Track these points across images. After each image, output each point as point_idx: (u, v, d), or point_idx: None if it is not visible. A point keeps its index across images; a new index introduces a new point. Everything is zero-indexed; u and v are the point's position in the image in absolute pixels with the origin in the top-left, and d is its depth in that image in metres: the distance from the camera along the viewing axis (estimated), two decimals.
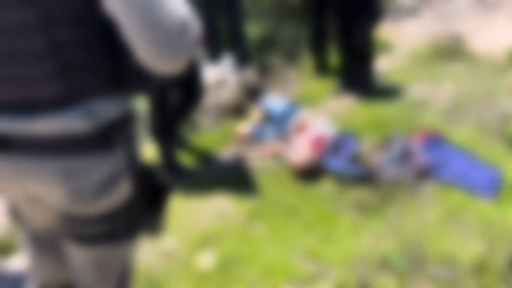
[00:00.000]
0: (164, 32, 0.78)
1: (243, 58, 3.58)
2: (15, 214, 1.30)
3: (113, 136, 0.92)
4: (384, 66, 4.00)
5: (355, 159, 2.73)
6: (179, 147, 2.98)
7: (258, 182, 2.65)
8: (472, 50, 4.23)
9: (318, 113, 3.27)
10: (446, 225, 2.21)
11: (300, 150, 2.78)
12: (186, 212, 2.41)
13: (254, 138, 3.11)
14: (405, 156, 2.59)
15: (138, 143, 1.04)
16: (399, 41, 4.65)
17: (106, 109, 0.90)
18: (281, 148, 2.96)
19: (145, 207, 1.09)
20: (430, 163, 2.56)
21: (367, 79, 3.67)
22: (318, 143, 2.79)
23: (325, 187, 2.56)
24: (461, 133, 2.87)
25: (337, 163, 2.67)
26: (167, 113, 2.67)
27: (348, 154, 2.75)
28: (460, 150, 2.66)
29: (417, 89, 3.57)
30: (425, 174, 2.53)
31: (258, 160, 2.90)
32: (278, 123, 3.14)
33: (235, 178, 2.69)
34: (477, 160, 2.57)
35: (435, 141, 2.70)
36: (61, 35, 0.80)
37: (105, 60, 0.86)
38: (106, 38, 0.84)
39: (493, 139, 2.79)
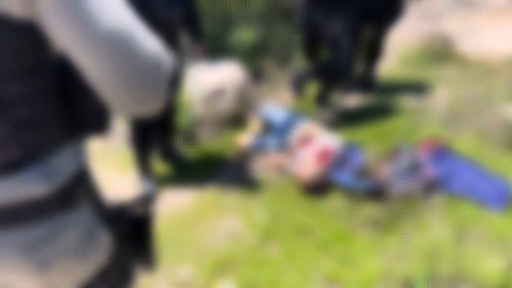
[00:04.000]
0: (139, 75, 0.71)
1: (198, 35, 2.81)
2: None
3: (76, 192, 0.83)
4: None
5: (362, 172, 2.71)
6: (177, 163, 2.90)
7: (266, 198, 2.60)
8: (462, 52, 4.26)
9: (318, 122, 3.23)
10: (461, 240, 2.22)
11: (306, 164, 2.74)
12: (197, 235, 2.33)
13: (256, 149, 3.05)
14: (413, 168, 2.59)
15: (99, 188, 0.95)
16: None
17: (64, 165, 0.81)
18: (285, 161, 2.91)
19: (132, 247, 1.01)
20: (438, 175, 2.56)
21: (370, 80, 3.65)
22: (324, 156, 2.76)
23: (335, 203, 2.53)
24: (464, 143, 2.89)
25: (345, 177, 2.64)
26: (144, 123, 2.57)
27: (355, 167, 2.72)
28: (467, 161, 2.67)
29: (414, 95, 3.57)
30: (434, 186, 2.53)
31: (261, 173, 2.85)
32: (280, 134, 3.09)
33: (242, 194, 2.63)
34: (484, 172, 2.58)
35: (441, 152, 2.70)
36: (10, 91, 0.70)
37: (59, 110, 0.77)
38: (59, 86, 0.76)
39: (497, 148, 2.81)
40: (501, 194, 2.42)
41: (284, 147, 3.01)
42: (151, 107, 0.76)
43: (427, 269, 2.06)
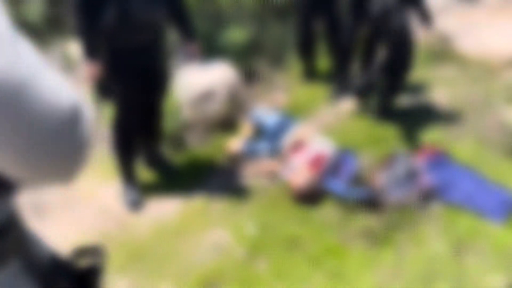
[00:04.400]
0: (39, 134, 0.53)
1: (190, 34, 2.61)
2: None
3: None
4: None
5: (356, 179, 2.59)
6: (163, 170, 2.77)
7: (256, 207, 2.48)
8: (461, 51, 4.14)
9: (312, 126, 3.10)
10: (459, 254, 2.11)
11: (298, 171, 2.62)
12: (182, 248, 2.21)
13: (247, 155, 2.92)
14: (409, 176, 2.47)
15: (34, 239, 0.80)
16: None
17: None
18: (277, 167, 2.79)
19: None
20: (435, 184, 2.44)
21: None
22: (317, 162, 2.63)
23: (328, 213, 2.41)
24: (463, 148, 2.77)
25: (338, 185, 2.52)
26: (127, 128, 2.44)
27: (349, 175, 2.60)
28: (466, 169, 2.55)
29: (411, 96, 3.45)
30: (431, 195, 2.42)
31: (252, 179, 2.72)
32: (272, 139, 2.96)
33: (231, 204, 2.51)
34: (484, 180, 2.47)
35: (439, 159, 2.58)
36: None
37: None
38: None
39: (496, 154, 2.70)
40: (502, 205, 2.30)
41: (276, 153, 2.88)
42: (60, 176, 0.59)
43: (423, 286, 1.95)
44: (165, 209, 2.48)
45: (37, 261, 0.76)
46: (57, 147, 0.55)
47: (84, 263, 0.80)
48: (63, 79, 0.57)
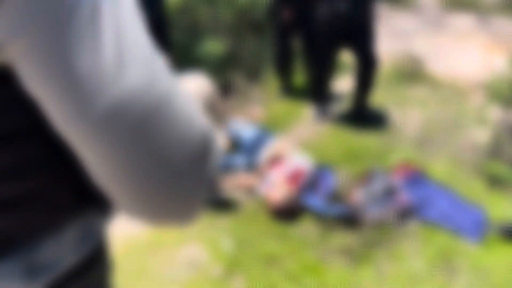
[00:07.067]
0: (168, 167, 0.46)
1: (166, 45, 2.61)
2: None
3: None
4: (344, 87, 3.89)
5: (334, 196, 2.57)
6: None
7: (233, 222, 2.41)
8: (431, 73, 4.25)
9: (289, 141, 3.08)
10: (437, 272, 2.10)
11: (275, 186, 2.57)
12: (154, 266, 2.11)
13: (223, 169, 2.85)
14: (387, 194, 2.47)
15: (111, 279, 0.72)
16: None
17: (60, 256, 0.57)
18: (253, 182, 2.73)
19: None
20: (413, 202, 2.45)
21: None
22: (295, 178, 2.60)
23: (306, 230, 2.37)
24: (436, 167, 2.80)
25: (316, 201, 2.49)
26: None
27: (326, 191, 2.58)
28: (441, 187, 2.58)
29: (385, 114, 3.49)
30: (408, 213, 2.42)
31: (228, 193, 2.65)
32: (248, 153, 2.91)
33: (207, 218, 2.42)
34: (459, 199, 2.50)
35: (416, 178, 2.60)
36: None
37: (56, 183, 0.55)
38: (54, 157, 0.53)
39: (469, 174, 2.74)
40: (477, 224, 2.33)
41: (253, 167, 2.83)
42: (177, 218, 0.51)
43: None
44: (135, 223, 2.37)
45: None
46: (181, 184, 0.47)
47: None
48: (194, 103, 0.49)
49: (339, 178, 2.69)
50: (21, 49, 0.39)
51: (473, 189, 2.61)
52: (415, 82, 4.05)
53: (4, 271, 0.54)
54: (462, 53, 4.77)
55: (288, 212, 2.48)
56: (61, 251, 0.57)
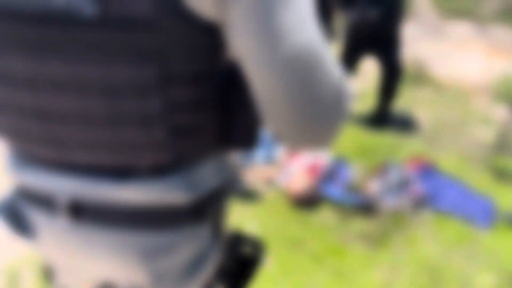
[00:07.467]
0: (317, 106, 0.62)
1: None
2: (48, 276, 1.10)
3: (208, 208, 0.78)
4: (353, 89, 4.08)
5: (351, 187, 2.72)
6: None
7: (257, 210, 2.55)
8: (436, 76, 4.44)
9: None
10: (452, 256, 2.26)
11: (296, 178, 2.72)
12: None
13: (243, 161, 3.00)
14: (401, 185, 2.63)
15: (226, 212, 0.91)
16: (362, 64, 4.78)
17: (207, 178, 0.76)
18: (273, 174, 2.88)
19: (228, 284, 0.95)
20: (425, 192, 2.61)
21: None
22: (314, 170, 2.75)
23: (327, 217, 2.52)
24: (445, 162, 2.97)
25: (334, 191, 2.64)
26: None
27: (343, 182, 2.73)
28: (451, 179, 2.74)
29: (393, 115, 3.66)
30: (422, 203, 2.58)
31: (250, 185, 2.80)
32: (267, 147, 3.06)
33: (232, 206, 2.56)
34: (468, 190, 2.66)
35: (427, 170, 2.76)
36: (178, 96, 0.65)
37: (215, 119, 0.72)
38: (219, 96, 0.70)
39: (476, 168, 2.91)
40: (487, 212, 2.49)
41: (272, 160, 2.98)
42: (317, 144, 0.67)
43: (421, 284, 2.07)
44: None
45: (222, 230, 0.84)
46: (328, 117, 0.63)
47: (247, 250, 0.90)
48: (336, 62, 0.65)
49: (355, 170, 2.85)
50: (237, 10, 0.56)
51: (481, 181, 2.78)
52: (421, 84, 4.24)
53: (173, 182, 0.71)
54: (463, 58, 4.97)
55: (308, 201, 2.63)
56: (208, 174, 0.75)
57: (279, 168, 2.89)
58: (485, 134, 3.31)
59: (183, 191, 0.71)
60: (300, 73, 0.59)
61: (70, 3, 0.58)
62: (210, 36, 0.61)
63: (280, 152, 3.02)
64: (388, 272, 2.15)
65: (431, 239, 2.36)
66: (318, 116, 0.62)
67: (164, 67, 0.61)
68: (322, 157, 2.83)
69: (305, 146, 0.68)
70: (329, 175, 2.77)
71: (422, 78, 4.40)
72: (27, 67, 0.64)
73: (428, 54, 5.15)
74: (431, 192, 2.62)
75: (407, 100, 3.91)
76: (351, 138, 3.26)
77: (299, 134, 0.64)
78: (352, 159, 2.97)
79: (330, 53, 0.62)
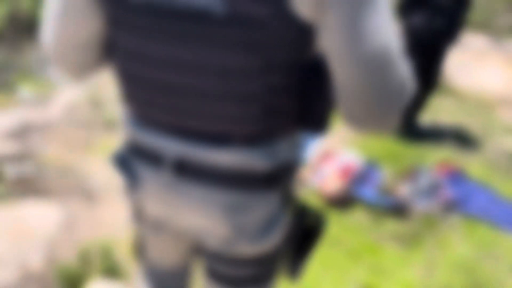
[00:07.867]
0: (386, 97, 0.75)
1: None
2: (139, 250, 1.21)
3: (281, 177, 0.93)
4: None
5: (381, 190, 2.82)
6: None
7: None
8: (457, 88, 4.54)
9: (335, 139, 3.34)
10: (482, 259, 2.35)
11: (329, 179, 2.83)
12: None
13: None
14: (432, 189, 2.73)
15: (294, 186, 1.03)
16: None
17: (285, 151, 0.91)
18: (306, 175, 2.99)
19: (293, 251, 1.07)
20: (455, 197, 2.71)
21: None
22: (347, 172, 2.86)
23: (360, 217, 2.62)
24: (472, 169, 3.07)
25: (367, 193, 2.74)
26: None
27: (375, 185, 2.84)
28: (480, 185, 2.84)
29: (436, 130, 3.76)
30: (452, 207, 2.68)
31: None
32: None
33: None
34: (497, 196, 2.76)
35: (456, 175, 2.86)
36: (274, 81, 0.81)
37: (298, 103, 0.88)
38: (303, 84, 0.86)
39: (503, 176, 3.01)
40: None
41: (304, 162, 3.08)
42: (378, 129, 0.81)
43: (461, 282, 2.17)
44: None
45: (291, 202, 0.98)
46: (389, 106, 0.77)
47: (310, 222, 1.02)
48: (406, 60, 0.78)
49: (385, 174, 2.95)
50: (332, 13, 0.71)
51: (508, 188, 2.88)
52: (443, 95, 4.34)
53: (259, 151, 0.87)
54: (482, 69, 5.07)
55: (341, 202, 2.73)
56: (284, 149, 0.91)
57: (311, 169, 3.00)
58: (509, 143, 3.41)
59: (265, 160, 0.87)
60: (378, 67, 0.72)
61: (207, 3, 0.73)
62: (304, 33, 0.76)
63: (312, 153, 3.13)
64: (424, 270, 2.25)
65: (462, 242, 2.46)
66: (387, 103, 0.76)
67: (267, 57, 0.77)
68: (354, 160, 2.94)
69: (371, 128, 0.82)
70: (360, 178, 2.87)
71: (445, 88, 4.50)
72: (162, 50, 0.81)
73: (449, 65, 5.25)
74: (460, 197, 2.72)
75: (430, 110, 4.01)
76: (381, 142, 3.36)
77: (369, 117, 0.78)
78: (382, 163, 3.07)
79: (401, 54, 0.76)
